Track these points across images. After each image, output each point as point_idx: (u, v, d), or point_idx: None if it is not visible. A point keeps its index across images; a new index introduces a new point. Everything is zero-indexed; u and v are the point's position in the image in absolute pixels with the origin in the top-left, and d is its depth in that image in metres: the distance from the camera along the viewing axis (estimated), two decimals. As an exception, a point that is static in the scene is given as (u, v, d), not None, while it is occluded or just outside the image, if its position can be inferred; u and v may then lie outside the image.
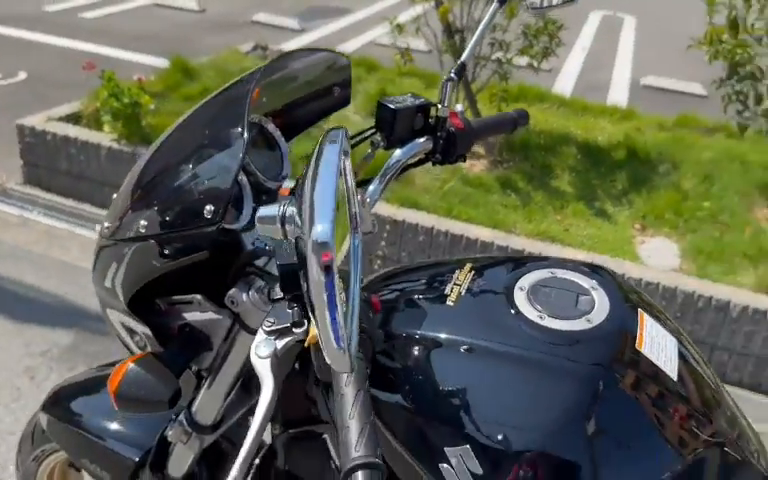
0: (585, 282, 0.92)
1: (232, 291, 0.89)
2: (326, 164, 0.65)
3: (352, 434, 0.62)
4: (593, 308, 0.87)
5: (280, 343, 0.77)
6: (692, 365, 0.90)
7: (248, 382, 1.06)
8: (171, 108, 4.07)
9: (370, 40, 6.84)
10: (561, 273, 0.93)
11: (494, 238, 3.07)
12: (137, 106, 3.56)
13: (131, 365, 0.89)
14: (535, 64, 3.91)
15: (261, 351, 0.76)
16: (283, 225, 0.68)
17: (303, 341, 0.77)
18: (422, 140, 1.08)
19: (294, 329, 0.77)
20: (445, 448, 0.81)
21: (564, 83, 5.98)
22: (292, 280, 0.75)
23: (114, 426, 1.25)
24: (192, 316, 0.95)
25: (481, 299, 0.91)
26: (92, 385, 1.36)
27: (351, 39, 6.76)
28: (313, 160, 0.67)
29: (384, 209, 3.20)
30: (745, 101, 3.43)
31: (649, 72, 6.34)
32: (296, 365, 1.01)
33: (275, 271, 0.87)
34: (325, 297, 0.58)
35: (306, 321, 0.77)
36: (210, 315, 0.94)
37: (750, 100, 3.41)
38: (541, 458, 0.80)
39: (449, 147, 1.10)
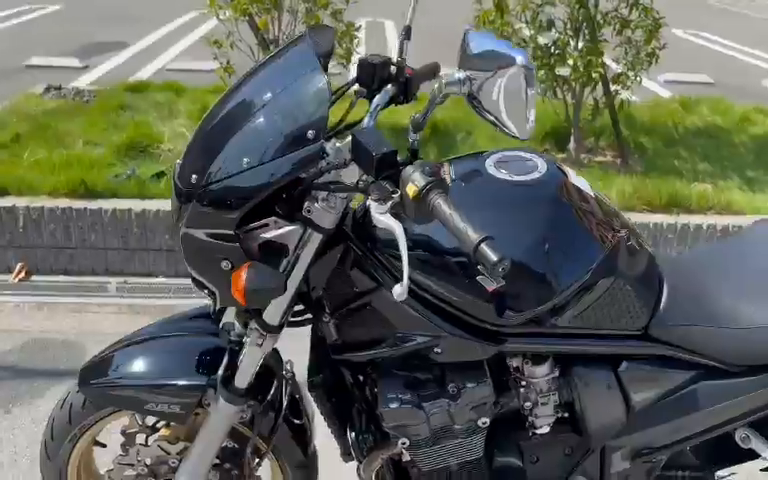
0: (525, 154, 1.41)
1: (306, 204, 1.24)
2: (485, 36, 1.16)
3: (468, 229, 1.03)
4: (537, 166, 1.37)
5: (388, 203, 1.13)
6: (596, 191, 1.44)
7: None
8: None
9: (160, 67, 6.90)
10: (508, 153, 1.42)
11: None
12: (-35, 159, 3.43)
13: (247, 270, 1.20)
14: (345, 64, 4.42)
15: (379, 210, 1.12)
16: (463, 83, 1.15)
17: (400, 204, 1.14)
18: (390, 87, 1.47)
19: (393, 195, 1.14)
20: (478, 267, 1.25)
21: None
22: (387, 165, 1.13)
23: (170, 368, 1.48)
24: (269, 234, 1.27)
25: (467, 177, 1.36)
26: (121, 352, 1.56)
27: (141, 69, 6.75)
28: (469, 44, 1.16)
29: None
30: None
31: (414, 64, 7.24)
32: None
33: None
34: (524, 95, 1.04)
35: (398, 188, 1.14)
36: (285, 229, 1.27)
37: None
38: (531, 252, 1.28)
39: (407, 90, 1.50)
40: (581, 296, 1.34)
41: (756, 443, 1.52)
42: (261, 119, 1.23)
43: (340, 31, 4.37)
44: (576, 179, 1.42)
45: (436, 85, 1.25)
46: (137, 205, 3.53)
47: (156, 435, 1.65)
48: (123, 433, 1.67)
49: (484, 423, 1.39)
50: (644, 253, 1.44)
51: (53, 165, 3.81)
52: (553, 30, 4.22)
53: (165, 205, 3.52)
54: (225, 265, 1.27)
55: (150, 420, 1.67)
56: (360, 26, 4.41)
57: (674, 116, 5.20)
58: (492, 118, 1.16)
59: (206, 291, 1.36)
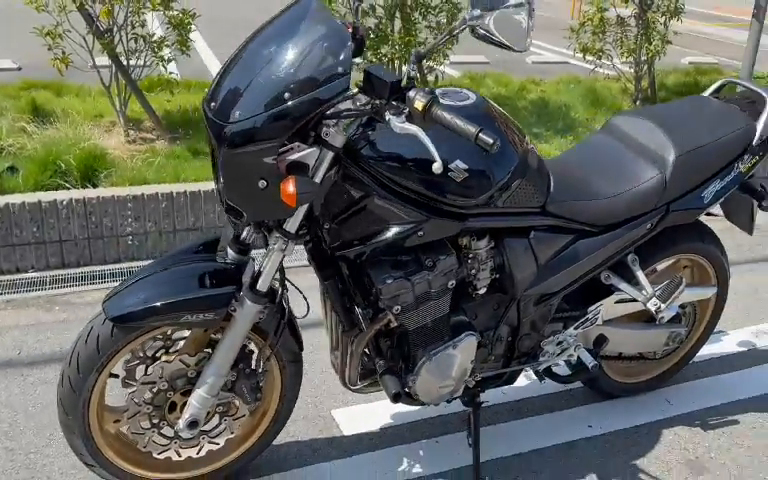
0: (458, 89, 1.92)
1: (324, 129, 1.62)
2: None
3: (468, 126, 1.50)
4: (469, 97, 1.88)
5: (403, 116, 1.55)
6: (506, 114, 2.00)
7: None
8: None
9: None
10: (447, 89, 1.91)
11: (225, 184, 3.79)
12: None
13: (293, 181, 1.55)
14: (183, 51, 4.57)
15: (398, 121, 1.54)
16: (479, 18, 1.58)
17: (410, 116, 1.56)
18: (351, 43, 1.85)
19: (404, 110, 1.57)
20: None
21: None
22: (396, 89, 1.56)
23: (196, 284, 1.75)
24: (295, 156, 1.63)
25: None
26: (144, 281, 1.78)
27: None
28: None
29: (122, 191, 3.62)
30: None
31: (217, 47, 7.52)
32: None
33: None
34: (525, 23, 1.50)
35: (405, 106, 1.57)
36: (306, 151, 1.63)
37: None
38: (477, 155, 1.78)
39: (361, 47, 1.91)
40: (507, 185, 1.88)
41: (614, 280, 2.22)
42: (296, 60, 1.57)
43: (176, 20, 4.51)
44: (494, 106, 1.96)
45: (458, 20, 1.68)
46: (-3, 200, 3.44)
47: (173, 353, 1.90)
48: (125, 368, 1.89)
49: (452, 285, 1.89)
50: (538, 156, 2.04)
51: None
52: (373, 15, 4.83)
53: (29, 198, 3.48)
54: (262, 184, 1.60)
55: (150, 351, 1.91)
56: (196, 13, 4.59)
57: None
58: (498, 39, 1.63)
59: (232, 215, 1.68)
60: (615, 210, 2.10)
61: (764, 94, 2.27)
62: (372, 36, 4.76)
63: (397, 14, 4.92)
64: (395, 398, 1.93)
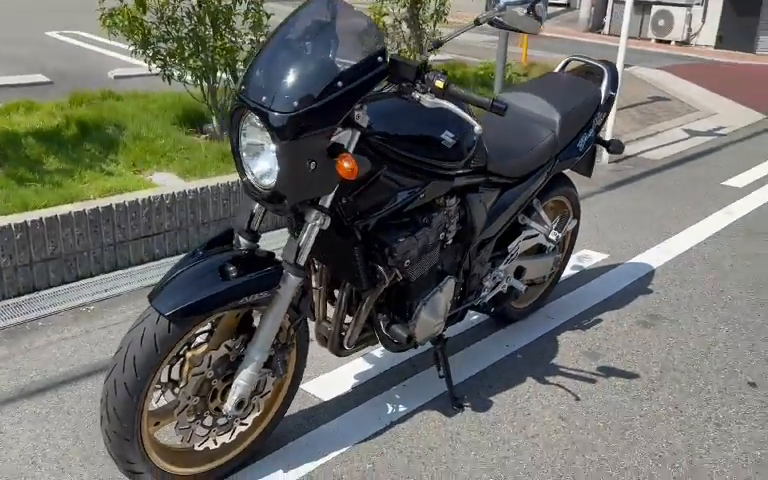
0: None
1: (355, 113, 1.86)
2: None
3: (481, 97, 1.87)
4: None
5: (429, 93, 1.87)
6: None
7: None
8: None
9: None
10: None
11: (83, 207, 3.59)
12: None
13: (349, 158, 1.78)
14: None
15: (429, 98, 1.85)
16: (503, 9, 1.93)
17: (434, 92, 1.88)
18: None
19: (428, 89, 1.87)
20: None
21: None
22: (421, 73, 1.87)
23: (241, 267, 1.86)
24: (334, 138, 1.84)
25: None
26: (188, 274, 1.83)
27: None
28: None
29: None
30: (164, 59, 4.76)
31: None
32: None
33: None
34: (542, 13, 1.92)
35: (429, 86, 1.88)
36: (342, 133, 1.86)
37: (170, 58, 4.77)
38: None
39: None
40: (476, 150, 2.31)
41: (527, 220, 2.78)
42: (341, 49, 1.79)
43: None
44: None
45: (485, 13, 2.01)
46: None
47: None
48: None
49: (443, 236, 2.26)
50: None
51: None
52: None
53: None
54: (312, 166, 1.80)
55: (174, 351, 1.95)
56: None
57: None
58: (514, 27, 2.00)
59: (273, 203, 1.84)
60: (527, 164, 2.66)
61: (601, 66, 3.02)
62: (191, 44, 4.79)
63: (207, 20, 4.99)
64: (408, 340, 2.24)
